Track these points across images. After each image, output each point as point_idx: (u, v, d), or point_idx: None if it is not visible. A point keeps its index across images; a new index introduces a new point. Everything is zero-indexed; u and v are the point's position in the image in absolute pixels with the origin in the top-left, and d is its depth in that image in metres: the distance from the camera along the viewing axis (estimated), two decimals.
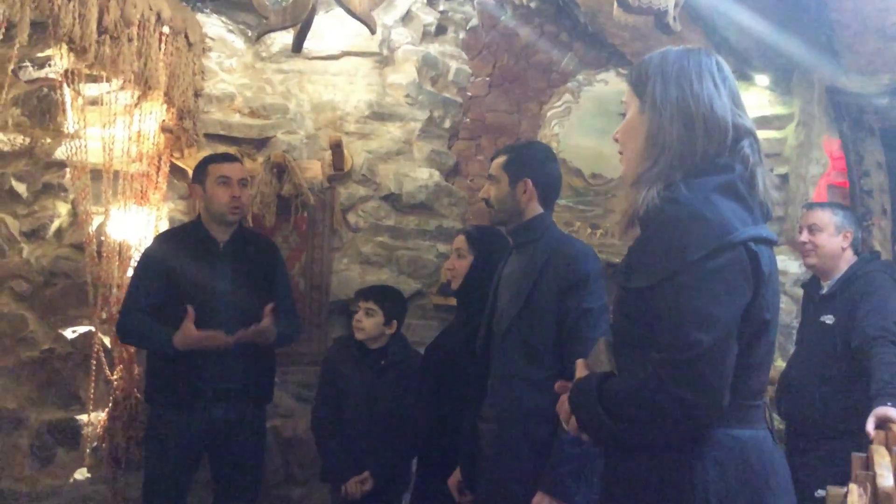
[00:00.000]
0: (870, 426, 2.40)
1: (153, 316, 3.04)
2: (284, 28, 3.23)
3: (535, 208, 2.52)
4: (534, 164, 2.57)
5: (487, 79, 4.39)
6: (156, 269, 3.06)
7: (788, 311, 3.83)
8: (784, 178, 3.90)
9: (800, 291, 3.50)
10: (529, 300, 2.33)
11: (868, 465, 1.97)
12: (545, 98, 4.34)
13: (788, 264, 3.90)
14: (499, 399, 2.40)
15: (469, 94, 4.38)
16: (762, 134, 3.94)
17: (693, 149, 1.50)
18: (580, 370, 1.58)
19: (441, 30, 4.35)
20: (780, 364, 3.61)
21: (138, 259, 3.19)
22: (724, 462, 1.41)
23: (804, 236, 3.11)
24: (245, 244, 3.19)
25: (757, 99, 4.04)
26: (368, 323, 3.24)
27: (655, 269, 1.43)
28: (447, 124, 4.29)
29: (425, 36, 4.30)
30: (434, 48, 4.31)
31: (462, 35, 4.40)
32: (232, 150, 3.89)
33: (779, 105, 4.04)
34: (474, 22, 4.40)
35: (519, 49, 4.38)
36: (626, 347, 1.54)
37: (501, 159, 2.57)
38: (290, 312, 3.25)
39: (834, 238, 3.06)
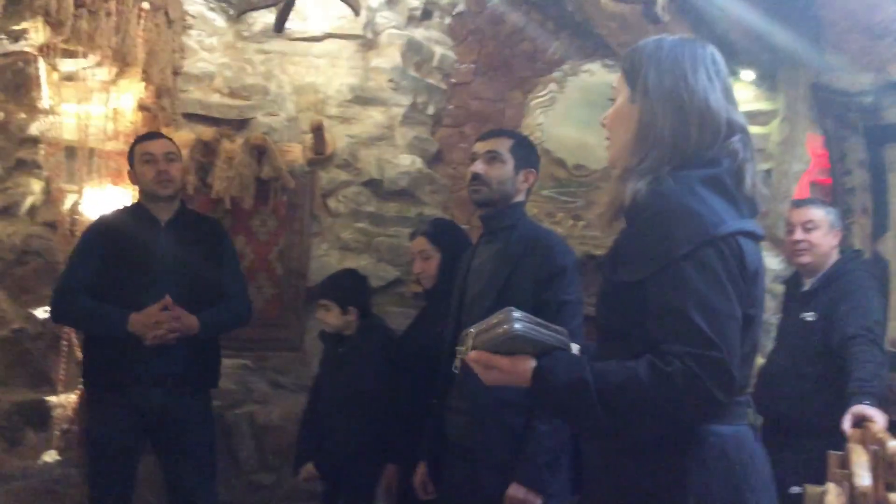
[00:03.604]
0: (846, 424, 2.40)
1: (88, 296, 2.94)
2: (266, 7, 3.17)
3: (520, 197, 2.50)
4: (536, 156, 2.61)
5: (472, 65, 4.35)
6: (95, 249, 2.97)
7: (767, 307, 3.83)
8: (768, 173, 3.89)
9: (779, 288, 3.50)
10: (504, 291, 2.30)
11: (845, 463, 1.97)
12: (530, 87, 4.30)
13: (769, 261, 3.89)
14: (469, 390, 2.36)
15: (453, 80, 4.33)
16: None
17: (686, 142, 1.47)
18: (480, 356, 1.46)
19: (427, 14, 4.29)
20: (759, 361, 3.62)
21: (78, 240, 3.09)
22: (705, 459, 1.39)
23: (798, 234, 3.08)
24: (188, 223, 3.11)
25: (742, 94, 4.01)
26: (328, 317, 3.20)
27: (644, 264, 1.40)
28: (431, 111, 4.25)
29: (411, 20, 4.24)
30: (419, 33, 4.26)
31: (448, 20, 4.35)
32: (211, 130, 3.84)
33: (764, 100, 4.02)
34: (461, 7, 4.35)
35: (505, 36, 4.34)
36: (610, 340, 1.51)
37: (507, 142, 2.53)
38: (238, 294, 3.16)
39: (827, 236, 3.05)
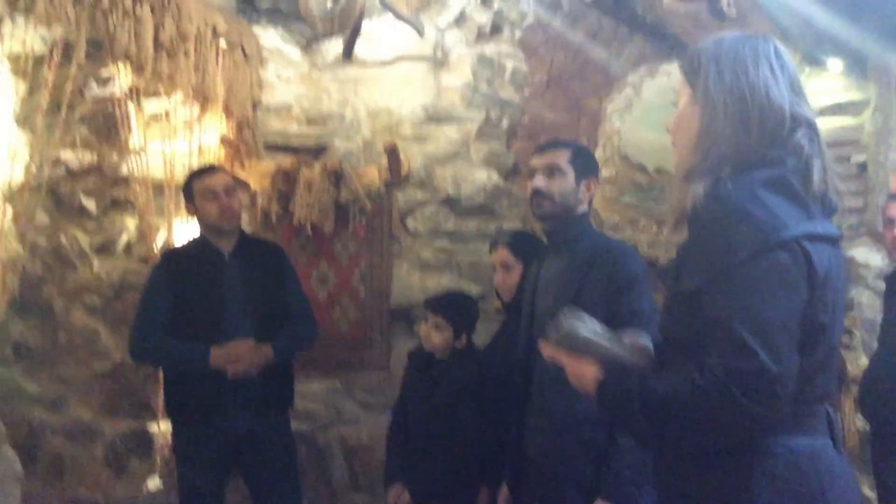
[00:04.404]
0: None
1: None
2: (332, 35, 3.22)
3: (584, 207, 2.45)
4: (595, 164, 2.56)
5: (545, 77, 4.30)
6: (165, 286, 3.03)
7: (871, 305, 3.63)
8: (862, 166, 3.70)
9: (882, 285, 3.31)
10: (575, 303, 2.24)
11: None
12: (605, 93, 4.22)
13: (870, 256, 3.69)
14: (548, 406, 2.32)
15: (527, 93, 4.29)
16: (837, 121, 3.80)
17: (747, 141, 1.41)
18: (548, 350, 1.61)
19: (496, 29, 4.28)
20: (864, 362, 3.43)
21: (147, 278, 3.15)
22: (774, 472, 1.33)
23: None
24: (250, 252, 3.15)
25: (830, 84, 3.84)
26: (437, 338, 3.09)
27: (701, 272, 1.35)
28: (505, 124, 4.22)
29: (480, 36, 4.24)
30: (489, 48, 4.25)
31: (518, 33, 4.32)
32: (290, 159, 3.93)
33: (854, 90, 3.83)
34: (530, 20, 4.32)
35: (577, 45, 4.28)
36: (673, 351, 1.46)
37: (565, 153, 2.48)
38: (304, 315, 3.20)
39: None
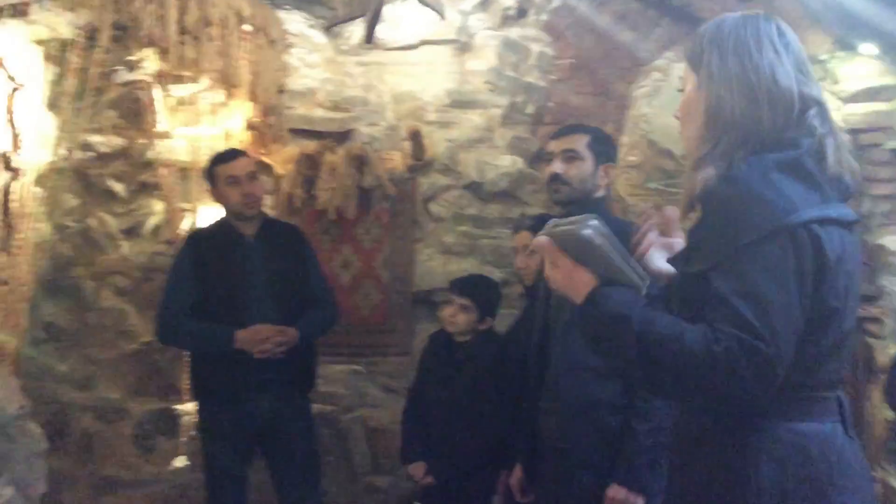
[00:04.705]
0: None
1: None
2: (353, 19, 3.22)
3: (602, 192, 2.44)
4: (614, 149, 2.56)
5: (572, 60, 4.25)
6: (189, 269, 3.08)
7: None
8: (894, 152, 3.61)
9: None
10: None
11: None
12: (633, 78, 4.17)
13: None
14: (563, 391, 2.32)
15: (553, 77, 4.25)
16: (870, 107, 3.72)
17: (758, 124, 1.39)
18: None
19: (522, 13, 4.24)
20: (893, 351, 3.36)
21: (173, 260, 3.20)
22: (781, 457, 1.32)
23: None
24: (272, 235, 3.18)
25: (863, 69, 3.75)
26: (462, 319, 3.14)
27: (710, 253, 1.33)
28: (530, 109, 4.19)
29: (505, 20, 4.20)
30: (515, 32, 4.22)
31: (544, 17, 4.27)
32: (313, 144, 3.94)
33: (888, 75, 3.73)
34: (556, 2, 4.27)
35: (604, 28, 4.22)
36: None
37: (584, 138, 2.47)
38: (325, 297, 3.23)
39: None
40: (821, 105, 1.42)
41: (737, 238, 1.29)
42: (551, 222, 1.49)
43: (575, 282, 1.42)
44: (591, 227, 1.40)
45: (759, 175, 1.33)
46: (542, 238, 1.46)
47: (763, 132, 1.38)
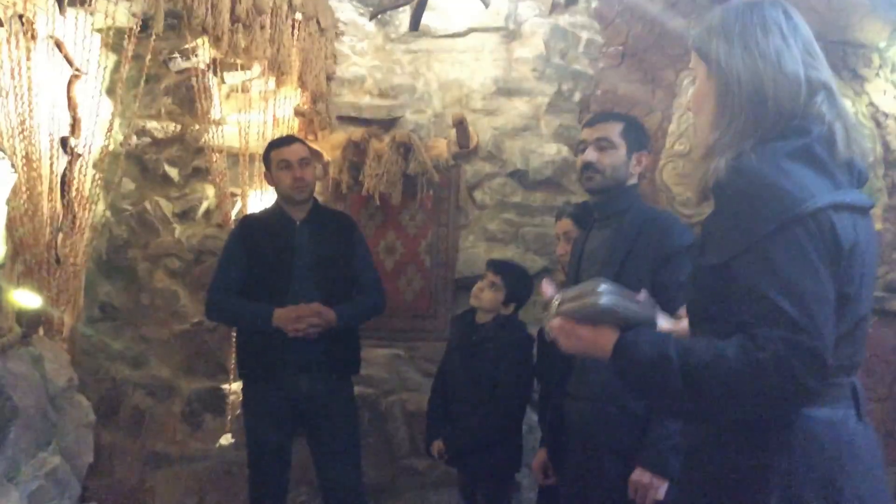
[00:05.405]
0: None
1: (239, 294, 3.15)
2: (398, 7, 3.25)
3: (634, 180, 2.43)
4: (647, 137, 2.54)
5: (620, 48, 4.21)
6: (240, 250, 3.17)
7: None
8: None
9: None
10: (620, 273, 2.22)
11: None
12: (681, 65, 4.10)
13: None
14: (589, 376, 2.33)
15: (601, 65, 4.22)
16: None
17: (765, 111, 1.38)
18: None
19: (572, 0, 4.22)
20: None
21: (225, 241, 3.31)
22: (791, 442, 1.31)
23: None
24: (322, 221, 3.25)
25: None
26: (488, 295, 3.19)
27: (729, 245, 1.33)
28: (577, 97, 4.17)
29: (555, 7, 4.19)
30: (564, 19, 4.20)
31: (594, 4, 4.25)
32: (360, 130, 4.00)
33: None
34: None
35: (654, 15, 4.16)
36: (701, 324, 1.44)
37: (617, 126, 2.46)
38: (372, 285, 3.28)
39: None
40: (829, 89, 1.40)
41: (755, 229, 1.28)
42: (556, 299, 1.49)
43: (598, 343, 1.43)
44: (606, 295, 1.41)
45: (770, 164, 1.33)
46: (555, 322, 1.47)
47: (770, 117, 1.38)
